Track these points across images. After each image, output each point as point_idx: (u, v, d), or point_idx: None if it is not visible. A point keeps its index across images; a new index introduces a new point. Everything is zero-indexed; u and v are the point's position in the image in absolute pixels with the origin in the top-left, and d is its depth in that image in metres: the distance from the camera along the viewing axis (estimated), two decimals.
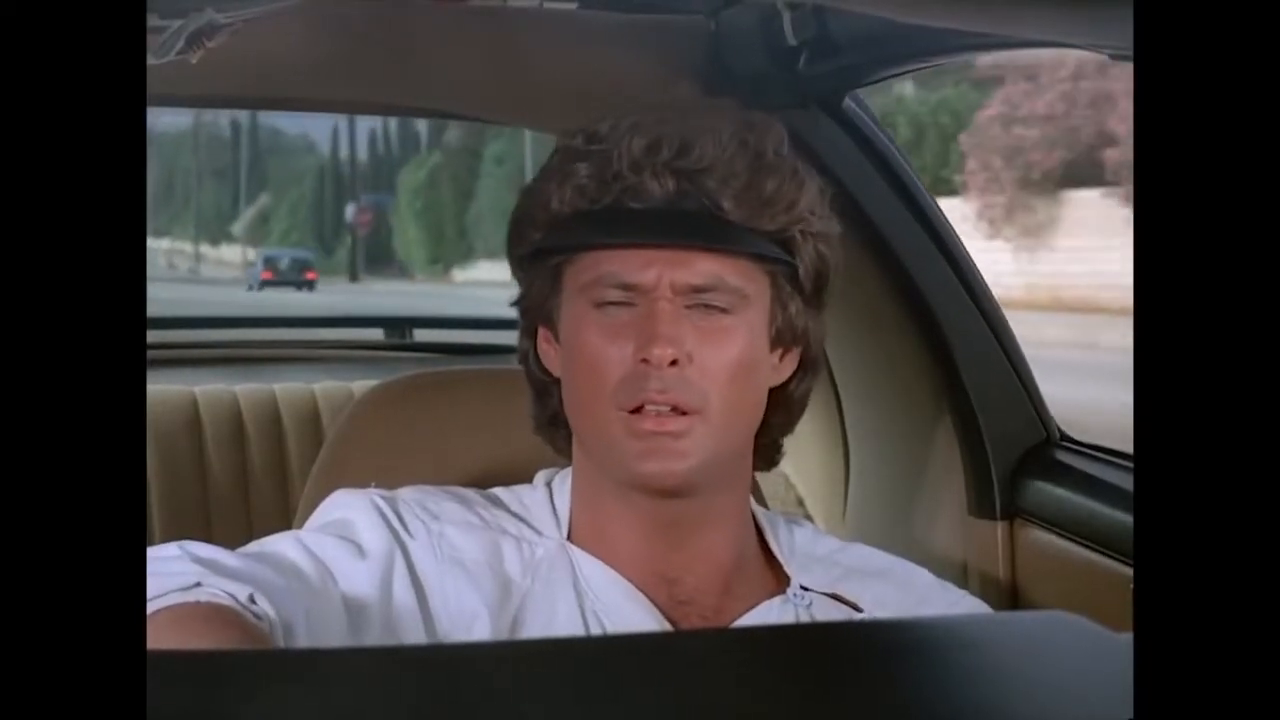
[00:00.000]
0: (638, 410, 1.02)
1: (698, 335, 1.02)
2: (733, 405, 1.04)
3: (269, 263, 23.71)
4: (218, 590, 0.90)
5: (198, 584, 0.90)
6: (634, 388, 1.01)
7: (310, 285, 22.22)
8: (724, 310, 1.03)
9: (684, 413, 1.01)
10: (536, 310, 1.11)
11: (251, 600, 0.91)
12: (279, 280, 22.53)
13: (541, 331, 1.12)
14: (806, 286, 1.09)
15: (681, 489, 1.04)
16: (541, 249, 1.08)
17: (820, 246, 1.08)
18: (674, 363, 1.01)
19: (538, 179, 1.10)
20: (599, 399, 1.03)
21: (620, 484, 1.06)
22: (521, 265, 1.12)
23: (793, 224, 1.06)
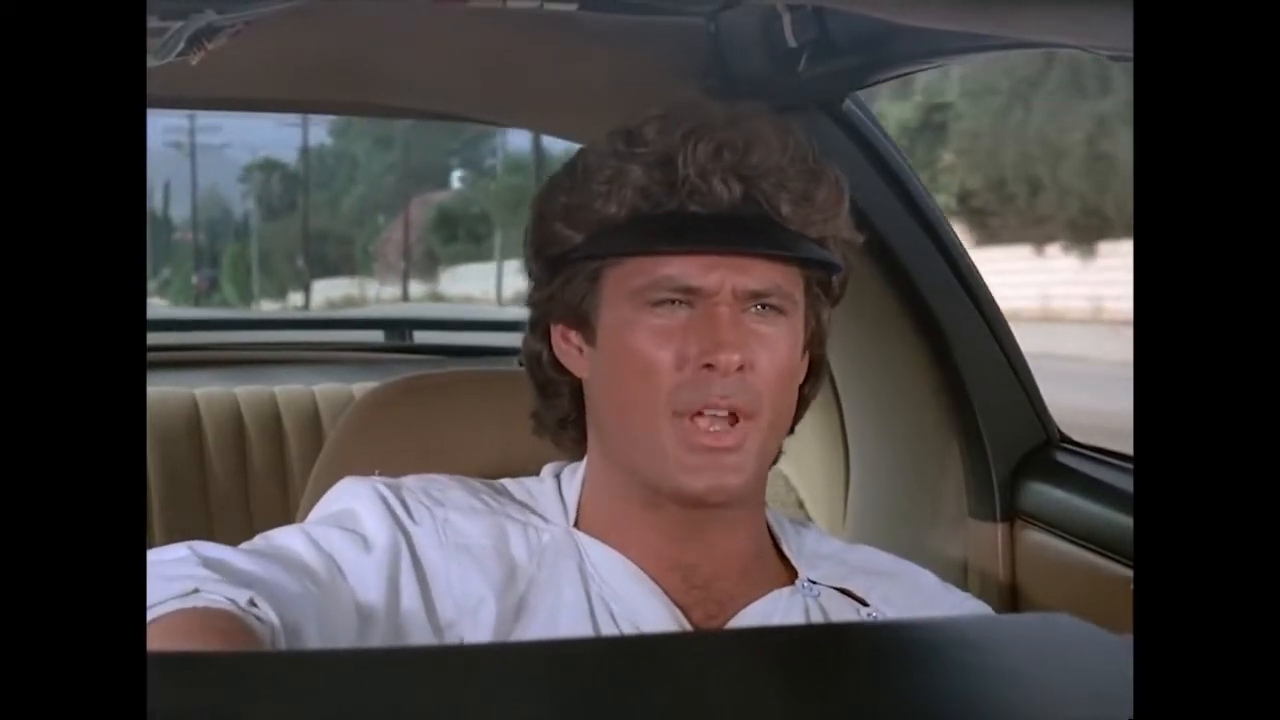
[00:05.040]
0: (693, 415, 1.01)
1: (755, 340, 1.03)
2: (780, 409, 1.05)
3: None
4: (216, 596, 0.89)
5: (195, 590, 0.89)
6: (696, 393, 1.01)
7: None
8: (778, 313, 1.04)
9: (738, 419, 1.01)
10: (566, 309, 1.09)
11: (252, 604, 0.90)
12: None
13: (558, 329, 1.10)
14: (835, 293, 1.11)
15: (728, 504, 1.04)
16: (588, 252, 1.06)
17: (848, 254, 1.10)
18: (740, 368, 1.01)
19: (574, 178, 1.07)
20: (649, 402, 1.02)
21: (653, 491, 1.05)
22: (549, 265, 1.09)
23: (833, 231, 1.07)
